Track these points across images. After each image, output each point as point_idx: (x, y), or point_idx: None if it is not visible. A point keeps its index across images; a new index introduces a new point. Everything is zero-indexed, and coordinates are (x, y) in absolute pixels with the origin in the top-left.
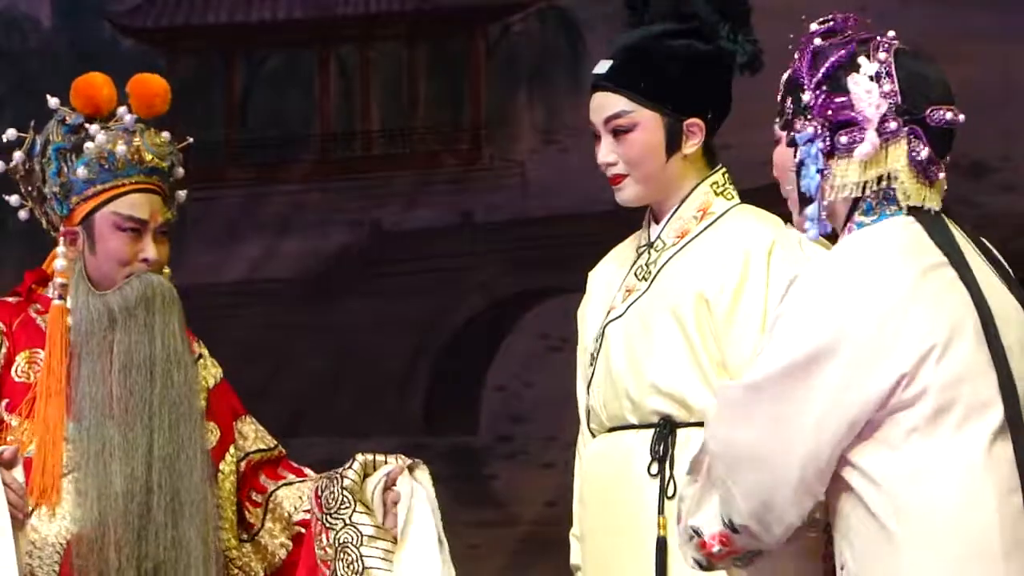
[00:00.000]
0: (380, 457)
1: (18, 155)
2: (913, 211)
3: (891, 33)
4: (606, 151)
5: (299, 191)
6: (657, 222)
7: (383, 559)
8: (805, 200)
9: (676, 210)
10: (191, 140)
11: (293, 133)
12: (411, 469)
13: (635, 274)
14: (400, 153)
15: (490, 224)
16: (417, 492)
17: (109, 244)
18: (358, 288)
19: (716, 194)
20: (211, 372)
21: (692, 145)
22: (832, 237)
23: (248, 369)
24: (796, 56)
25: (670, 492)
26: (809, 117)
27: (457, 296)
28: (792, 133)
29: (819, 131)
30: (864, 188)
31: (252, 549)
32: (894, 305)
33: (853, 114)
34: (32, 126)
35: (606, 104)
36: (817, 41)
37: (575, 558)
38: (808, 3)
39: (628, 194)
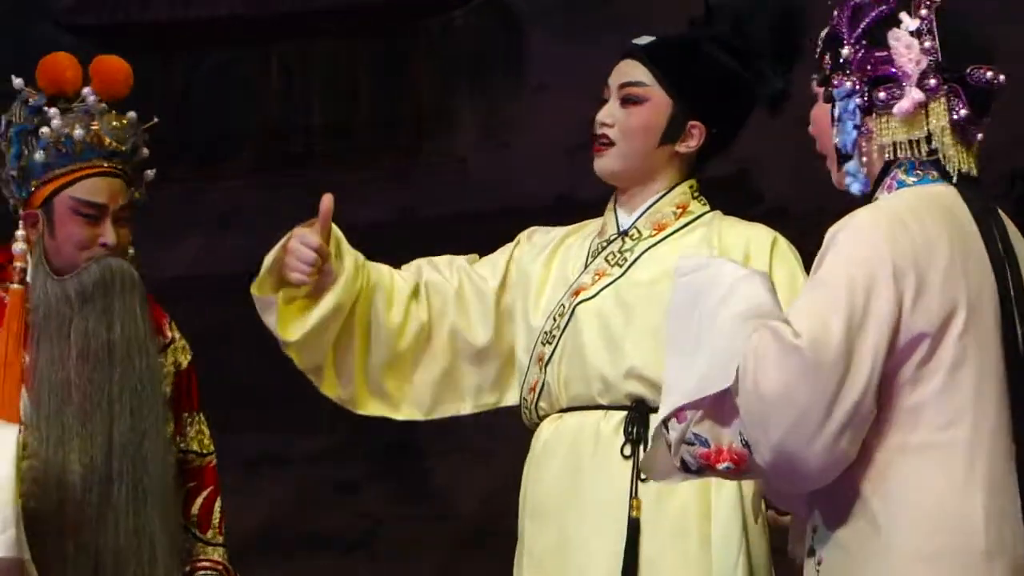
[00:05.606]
0: None
1: None
2: (955, 179)
3: None
4: (608, 112)
5: (239, 188)
6: (625, 211)
7: None
8: (843, 157)
9: (655, 203)
10: (156, 120)
11: (233, 130)
12: None
13: (606, 259)
14: (341, 149)
15: (431, 219)
16: None
17: (67, 228)
18: None
19: (693, 197)
20: (180, 356)
21: (686, 146)
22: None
23: None
24: (835, 12)
25: (643, 475)
26: (848, 72)
27: None
28: (829, 88)
29: (857, 86)
30: (909, 148)
31: None
32: (932, 268)
33: (893, 69)
34: None
35: (628, 71)
36: None
37: None
38: None
39: (606, 164)
